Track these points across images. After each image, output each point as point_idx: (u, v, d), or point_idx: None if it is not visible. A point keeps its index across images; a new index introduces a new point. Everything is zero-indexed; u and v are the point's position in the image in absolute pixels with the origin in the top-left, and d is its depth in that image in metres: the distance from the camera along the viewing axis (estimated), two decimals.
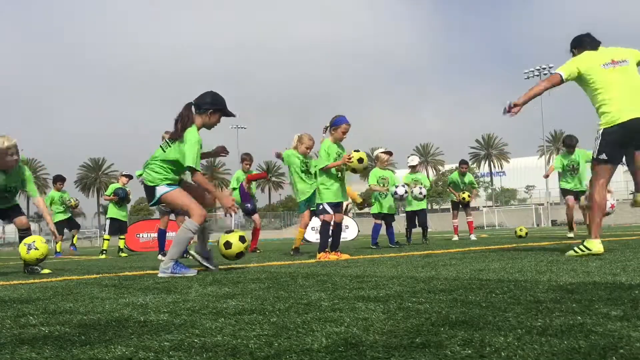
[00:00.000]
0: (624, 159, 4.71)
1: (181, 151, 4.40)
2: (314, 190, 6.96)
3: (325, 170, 6.05)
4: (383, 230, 9.18)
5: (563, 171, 9.26)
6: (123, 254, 10.87)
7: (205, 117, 4.55)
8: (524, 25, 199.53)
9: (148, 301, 2.61)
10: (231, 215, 4.67)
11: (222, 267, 4.92)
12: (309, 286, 2.96)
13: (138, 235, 15.77)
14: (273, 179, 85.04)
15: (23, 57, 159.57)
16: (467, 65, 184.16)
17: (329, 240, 6.04)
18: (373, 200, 9.07)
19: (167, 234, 9.19)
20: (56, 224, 12.62)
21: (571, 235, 8.81)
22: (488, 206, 61.38)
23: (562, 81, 4.57)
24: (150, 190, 4.56)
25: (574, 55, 4.83)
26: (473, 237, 11.55)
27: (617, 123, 4.37)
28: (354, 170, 6.09)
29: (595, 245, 4.35)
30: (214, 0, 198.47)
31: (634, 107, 4.36)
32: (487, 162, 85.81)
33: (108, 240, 11.21)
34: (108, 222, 11.30)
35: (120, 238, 11.51)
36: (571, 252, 4.49)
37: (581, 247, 4.43)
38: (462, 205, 11.65)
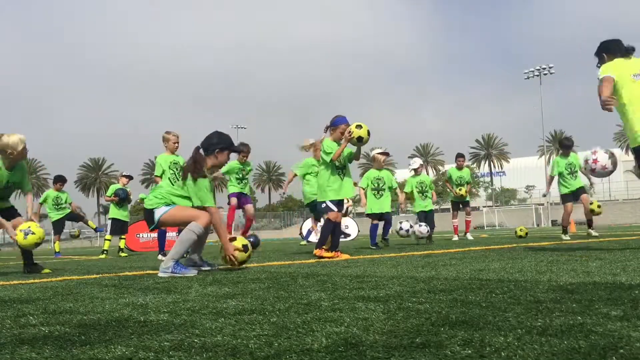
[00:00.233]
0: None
1: (192, 192, 4.60)
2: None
3: (330, 163, 6.09)
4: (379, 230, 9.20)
5: (562, 174, 9.10)
6: (123, 254, 10.90)
7: (213, 158, 4.72)
8: (524, 25, 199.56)
9: (148, 301, 2.61)
10: (227, 262, 4.64)
11: (222, 267, 4.93)
12: (309, 286, 2.96)
13: (138, 235, 15.78)
14: (273, 178, 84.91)
15: (23, 57, 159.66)
16: (467, 65, 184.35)
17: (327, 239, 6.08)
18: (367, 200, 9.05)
19: (167, 234, 9.21)
20: (54, 223, 12.72)
21: (567, 238, 8.78)
22: (488, 206, 61.37)
23: (614, 79, 4.51)
24: (149, 214, 4.64)
25: (602, 59, 4.78)
26: (469, 236, 11.55)
27: None
28: (359, 139, 5.90)
29: None
30: (214, 0, 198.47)
31: None
32: (487, 162, 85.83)
33: (109, 240, 11.29)
34: (109, 222, 11.37)
35: (121, 238, 11.55)
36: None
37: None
38: (462, 205, 11.65)
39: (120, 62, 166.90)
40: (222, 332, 1.72)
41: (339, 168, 6.18)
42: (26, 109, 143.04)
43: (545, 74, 52.46)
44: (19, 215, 5.94)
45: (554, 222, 44.13)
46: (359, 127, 5.93)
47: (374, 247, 8.53)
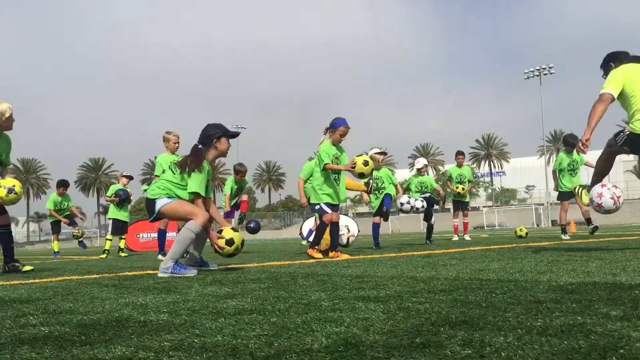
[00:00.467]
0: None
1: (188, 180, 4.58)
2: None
3: (325, 170, 6.11)
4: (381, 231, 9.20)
5: (562, 171, 9.14)
6: (123, 254, 10.91)
7: (214, 149, 4.74)
8: (524, 25, 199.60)
9: (148, 301, 2.61)
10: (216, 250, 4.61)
11: (222, 267, 4.93)
12: (309, 286, 2.96)
13: (138, 235, 15.78)
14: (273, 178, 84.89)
15: (23, 57, 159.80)
16: (467, 65, 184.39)
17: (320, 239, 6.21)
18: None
19: (167, 234, 9.21)
20: (52, 223, 12.79)
21: (566, 237, 8.77)
22: (488, 206, 61.37)
23: (613, 99, 4.54)
24: (151, 203, 4.62)
25: (609, 69, 4.80)
26: (467, 237, 11.54)
27: None
28: (361, 175, 6.16)
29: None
30: (213, 0, 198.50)
31: None
32: (487, 162, 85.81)
33: (110, 240, 11.33)
34: (110, 222, 11.43)
35: (121, 238, 11.57)
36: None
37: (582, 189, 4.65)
38: (461, 205, 11.64)
39: (120, 62, 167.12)
40: (222, 332, 1.72)
41: (335, 173, 6.22)
42: (26, 109, 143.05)
43: (545, 74, 52.43)
44: (6, 212, 5.84)
45: (554, 222, 44.12)
46: (365, 163, 6.09)
47: (375, 247, 8.53)
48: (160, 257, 8.07)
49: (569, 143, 9.15)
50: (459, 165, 11.57)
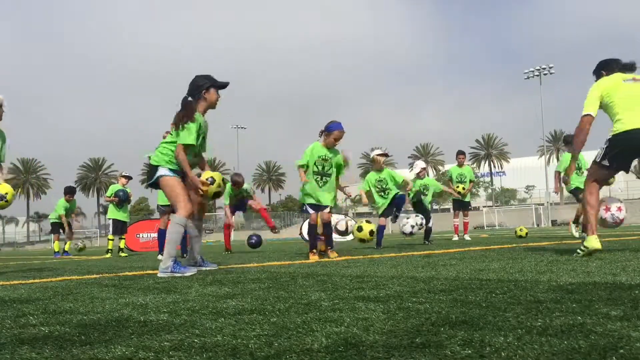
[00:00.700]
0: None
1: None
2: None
3: (303, 168, 6.23)
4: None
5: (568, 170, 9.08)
6: (123, 254, 10.93)
7: (203, 101, 4.67)
8: (524, 25, 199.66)
9: (148, 301, 2.61)
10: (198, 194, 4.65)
11: (222, 267, 4.93)
12: (309, 286, 2.96)
13: (138, 235, 15.77)
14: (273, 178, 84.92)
15: (23, 57, 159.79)
16: (467, 65, 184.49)
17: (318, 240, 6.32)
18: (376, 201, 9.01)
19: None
20: (53, 223, 12.91)
21: (577, 235, 8.72)
22: (488, 206, 61.39)
23: (593, 118, 4.60)
24: (152, 169, 4.59)
25: (602, 76, 4.82)
26: (467, 237, 11.53)
27: (622, 131, 4.36)
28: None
29: (592, 241, 4.37)
30: (214, 0, 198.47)
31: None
32: (487, 162, 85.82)
33: (112, 240, 11.41)
34: (110, 222, 11.50)
35: (120, 238, 11.58)
36: (576, 254, 4.52)
37: (582, 247, 4.45)
38: (461, 205, 11.63)
39: (120, 62, 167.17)
40: (222, 332, 1.72)
41: (319, 174, 6.20)
42: (26, 109, 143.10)
43: (545, 74, 52.45)
44: None
45: (554, 222, 44.12)
46: (359, 229, 7.33)
47: (375, 248, 8.51)
48: (160, 257, 8.07)
49: (570, 142, 9.13)
50: (460, 165, 11.56)
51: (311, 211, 6.18)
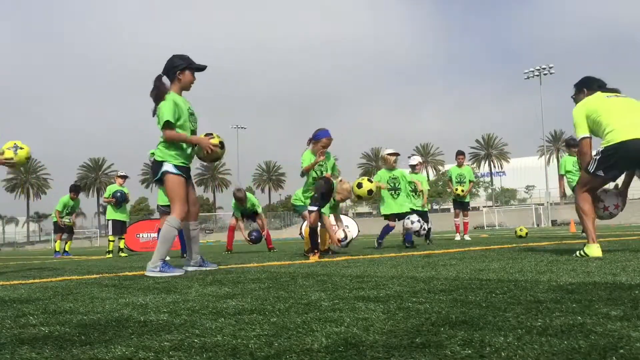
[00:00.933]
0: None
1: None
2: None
3: (305, 174, 6.36)
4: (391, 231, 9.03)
5: (570, 172, 9.07)
6: (123, 254, 10.95)
7: (177, 82, 4.63)
8: (524, 25, 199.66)
9: (148, 301, 2.61)
10: (209, 153, 4.69)
11: (222, 267, 4.93)
12: (309, 286, 2.96)
13: (138, 235, 15.78)
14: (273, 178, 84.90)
15: (23, 57, 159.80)
16: (467, 65, 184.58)
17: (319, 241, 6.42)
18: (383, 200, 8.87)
19: None
20: (55, 223, 12.94)
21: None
22: (488, 206, 61.38)
23: (591, 138, 4.63)
24: (157, 165, 4.57)
25: (581, 93, 4.85)
26: (467, 237, 11.53)
27: (617, 142, 4.35)
28: (359, 197, 6.93)
29: (593, 250, 4.36)
30: (214, 0, 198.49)
31: (635, 129, 4.34)
32: (487, 162, 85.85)
33: (113, 241, 11.44)
34: (109, 223, 11.53)
35: (120, 238, 11.61)
36: (575, 255, 4.51)
37: (581, 252, 4.44)
38: (461, 205, 11.63)
39: (120, 62, 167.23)
40: (222, 332, 1.72)
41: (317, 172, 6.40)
42: (26, 109, 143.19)
43: (545, 74, 52.46)
44: None
45: (554, 222, 44.14)
46: (359, 185, 7.02)
47: (376, 247, 8.50)
48: None
49: (573, 145, 9.15)
50: (459, 165, 11.56)
51: (313, 208, 6.18)
